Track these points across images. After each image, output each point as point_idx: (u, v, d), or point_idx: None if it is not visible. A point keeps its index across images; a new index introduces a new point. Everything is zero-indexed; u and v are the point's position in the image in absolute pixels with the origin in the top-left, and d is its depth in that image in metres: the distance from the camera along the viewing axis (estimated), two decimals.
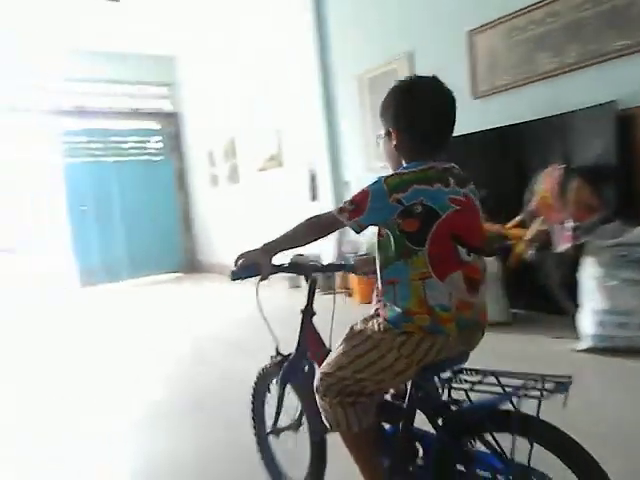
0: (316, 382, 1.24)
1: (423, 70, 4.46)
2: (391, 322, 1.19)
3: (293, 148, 6.30)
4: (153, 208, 8.51)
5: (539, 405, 1.02)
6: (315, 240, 1.26)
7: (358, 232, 1.23)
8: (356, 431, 1.21)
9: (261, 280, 1.30)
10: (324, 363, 1.26)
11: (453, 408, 1.19)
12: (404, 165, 1.29)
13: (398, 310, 1.19)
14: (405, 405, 1.26)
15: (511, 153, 3.69)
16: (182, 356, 3.64)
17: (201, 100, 8.25)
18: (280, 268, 1.39)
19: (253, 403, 1.75)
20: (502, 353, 2.93)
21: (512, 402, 1.06)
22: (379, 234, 1.25)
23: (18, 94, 7.56)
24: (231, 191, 7.70)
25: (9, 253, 11.62)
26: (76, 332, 4.95)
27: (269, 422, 1.67)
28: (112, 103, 8.39)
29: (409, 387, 1.25)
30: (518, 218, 3.46)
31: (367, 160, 5.17)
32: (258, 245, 1.28)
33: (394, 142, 1.29)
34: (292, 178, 6.32)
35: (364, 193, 1.20)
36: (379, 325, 1.21)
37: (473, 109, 4.10)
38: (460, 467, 1.18)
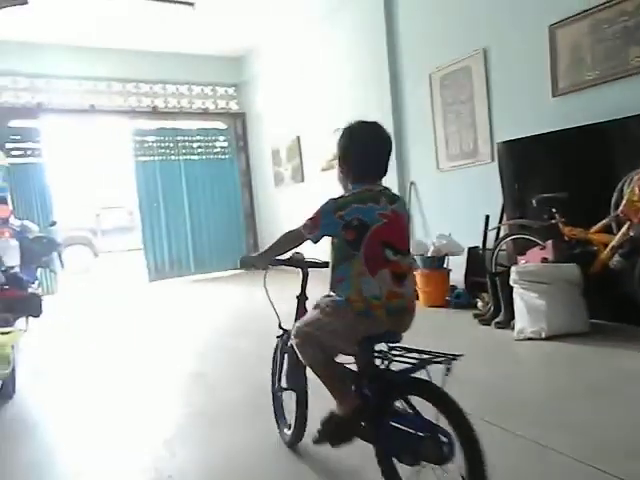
0: (292, 331, 1.70)
1: (499, 67, 4.34)
2: (337, 304, 1.60)
3: None
4: (218, 206, 8.74)
5: (444, 374, 1.35)
6: (292, 249, 1.76)
7: (315, 242, 1.64)
8: (315, 363, 1.63)
9: (264, 271, 1.90)
10: (299, 321, 1.72)
11: (386, 376, 1.54)
12: (350, 187, 1.69)
13: (343, 297, 1.58)
14: (356, 371, 1.66)
15: (595, 153, 3.46)
16: (249, 354, 3.69)
17: (267, 100, 8.38)
18: (281, 262, 1.87)
19: (273, 367, 2.16)
20: (579, 365, 2.77)
21: (428, 371, 1.41)
22: (332, 242, 1.65)
23: (96, 95, 8.00)
24: (295, 190, 7.77)
25: (87, 247, 12.34)
26: (143, 324, 5.17)
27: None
28: (182, 103, 8.71)
29: (356, 359, 1.65)
30: (603, 222, 3.26)
31: (436, 160, 5.06)
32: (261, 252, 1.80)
33: (341, 170, 1.72)
34: None
35: (318, 212, 1.62)
36: (330, 304, 1.62)
37: (551, 107, 3.92)
38: (388, 421, 1.51)
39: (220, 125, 9.23)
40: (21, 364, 3.34)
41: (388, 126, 5.68)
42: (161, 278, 8.36)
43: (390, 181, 5.62)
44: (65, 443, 2.37)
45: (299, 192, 7.63)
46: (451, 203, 4.96)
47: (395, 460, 1.54)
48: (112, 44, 7.63)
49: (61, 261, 5.53)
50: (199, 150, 8.86)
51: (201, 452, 2.12)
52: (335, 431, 1.63)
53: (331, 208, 1.60)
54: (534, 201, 3.61)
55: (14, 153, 7.23)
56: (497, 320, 3.66)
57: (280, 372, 2.09)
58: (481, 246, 4.44)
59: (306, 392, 1.96)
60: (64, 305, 6.50)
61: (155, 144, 8.48)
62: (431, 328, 3.78)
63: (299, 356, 1.66)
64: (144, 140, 8.40)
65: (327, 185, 6.81)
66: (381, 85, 5.56)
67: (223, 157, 9.07)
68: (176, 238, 8.51)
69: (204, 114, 8.95)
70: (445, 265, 4.58)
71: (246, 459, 2.03)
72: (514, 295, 3.45)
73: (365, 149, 1.68)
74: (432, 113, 5.00)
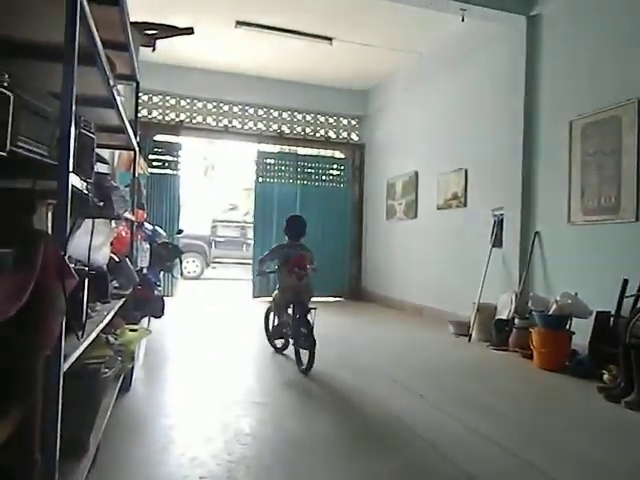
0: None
1: None
2: (278, 288, 4.38)
3: (479, 190, 6.05)
4: (328, 232, 8.84)
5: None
6: (266, 266, 4.49)
7: (271, 262, 4.48)
8: (270, 312, 4.68)
9: (262, 276, 5.29)
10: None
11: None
12: (286, 239, 4.41)
13: (279, 286, 4.35)
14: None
15: None
16: (348, 389, 3.63)
17: (388, 133, 8.44)
18: (266, 272, 4.54)
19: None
20: None
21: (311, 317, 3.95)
22: (279, 262, 4.34)
23: (230, 117, 8.61)
24: (407, 225, 7.68)
25: (201, 256, 13.19)
26: (247, 338, 5.32)
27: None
28: (306, 131, 9.06)
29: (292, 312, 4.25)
30: None
31: (567, 212, 4.69)
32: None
33: (285, 234, 4.46)
34: (474, 221, 6.05)
35: (272, 250, 4.40)
36: (276, 288, 4.44)
37: None
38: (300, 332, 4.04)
39: (338, 154, 9.46)
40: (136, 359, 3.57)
41: (517, 170, 5.46)
42: (264, 295, 8.61)
43: (512, 229, 5.28)
44: (175, 441, 2.46)
45: (411, 228, 7.52)
46: (580, 260, 4.56)
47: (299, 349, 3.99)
48: (249, 71, 8.21)
49: (181, 268, 5.92)
50: (316, 176, 9.12)
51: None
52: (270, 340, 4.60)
53: (277, 249, 4.32)
54: None
55: (155, 164, 8.01)
56: (628, 399, 3.25)
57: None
58: (614, 312, 4.01)
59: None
60: (179, 308, 6.94)
61: (276, 167, 8.89)
62: (546, 393, 3.45)
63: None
64: (266, 162, 8.84)
65: (442, 223, 6.71)
66: (514, 128, 5.33)
67: (338, 185, 9.26)
68: None
69: (325, 142, 9.23)
70: (568, 326, 4.20)
71: None
72: None
73: (291, 227, 4.38)
74: (569, 162, 4.67)
